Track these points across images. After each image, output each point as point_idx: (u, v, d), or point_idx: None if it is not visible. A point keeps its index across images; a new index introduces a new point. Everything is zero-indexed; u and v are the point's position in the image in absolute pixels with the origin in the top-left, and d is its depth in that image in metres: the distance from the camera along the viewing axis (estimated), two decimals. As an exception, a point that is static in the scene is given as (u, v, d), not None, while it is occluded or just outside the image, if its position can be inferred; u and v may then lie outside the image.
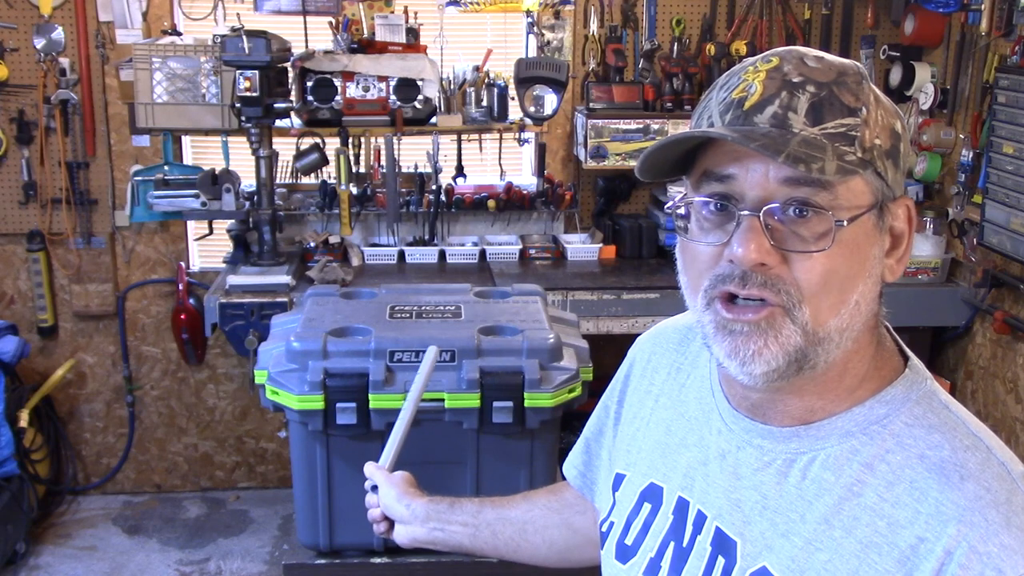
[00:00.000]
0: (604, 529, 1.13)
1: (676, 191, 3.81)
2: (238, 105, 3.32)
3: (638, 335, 1.25)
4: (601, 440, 1.25)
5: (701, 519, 1.00)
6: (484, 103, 3.83)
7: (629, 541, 1.07)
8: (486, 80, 3.83)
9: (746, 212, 0.88)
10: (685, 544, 1.01)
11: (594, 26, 3.86)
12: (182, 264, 3.95)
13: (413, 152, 3.88)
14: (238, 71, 3.26)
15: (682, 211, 0.94)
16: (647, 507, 1.07)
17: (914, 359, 1.00)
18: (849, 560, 0.88)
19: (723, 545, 0.97)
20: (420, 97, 3.70)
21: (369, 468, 1.43)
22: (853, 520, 0.89)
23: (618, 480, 1.14)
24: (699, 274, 0.92)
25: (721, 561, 0.96)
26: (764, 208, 0.87)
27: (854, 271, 0.89)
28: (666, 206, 1.00)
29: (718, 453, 1.01)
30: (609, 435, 1.23)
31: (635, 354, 1.22)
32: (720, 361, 0.93)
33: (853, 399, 0.95)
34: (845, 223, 0.87)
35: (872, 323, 0.96)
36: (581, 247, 3.84)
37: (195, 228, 3.99)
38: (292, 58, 3.61)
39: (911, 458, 0.90)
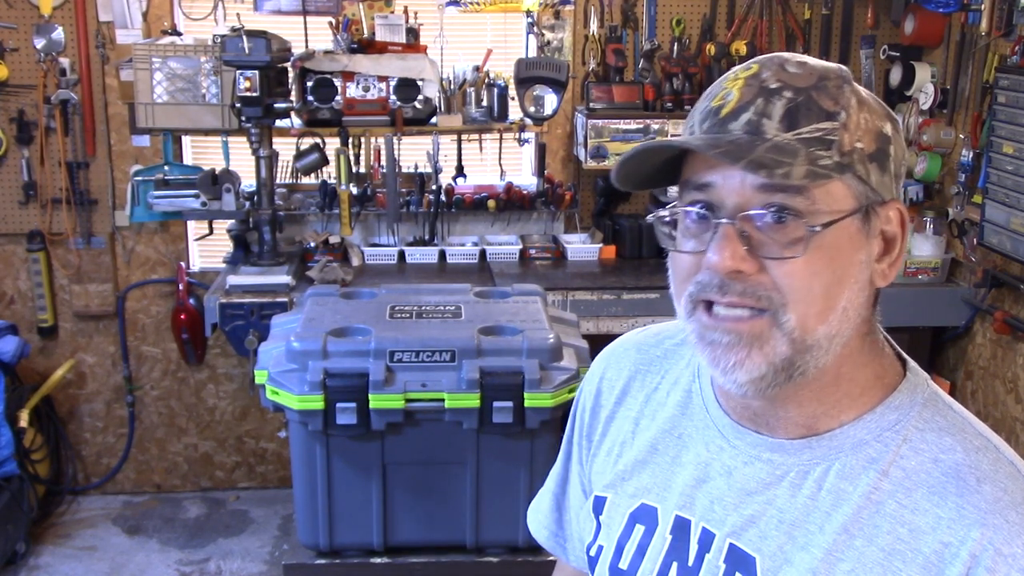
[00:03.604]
0: (592, 554, 1.10)
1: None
2: (238, 105, 3.32)
3: None
4: (567, 489, 1.22)
5: (708, 537, 0.98)
6: (484, 103, 3.83)
7: (624, 565, 1.05)
8: (486, 80, 3.83)
9: (723, 220, 0.88)
10: (691, 563, 0.99)
11: (594, 26, 3.86)
12: (182, 264, 3.94)
13: (413, 152, 3.88)
14: (238, 71, 3.26)
15: (667, 219, 0.94)
16: (640, 528, 1.04)
17: (911, 362, 0.99)
18: (872, 568, 0.88)
19: (740, 562, 0.95)
20: (420, 97, 3.70)
21: None
22: (874, 528, 0.89)
23: (599, 502, 1.10)
24: (682, 282, 0.93)
25: None
26: (740, 215, 0.87)
27: (838, 276, 0.89)
28: (647, 217, 1.00)
29: (722, 470, 0.99)
30: (576, 479, 1.20)
31: (598, 384, 1.16)
32: (706, 369, 0.94)
33: (860, 406, 0.94)
34: (819, 228, 0.86)
35: (864, 328, 0.95)
36: (581, 247, 3.84)
37: (195, 228, 3.99)
38: (292, 58, 3.60)
39: (925, 462, 0.90)
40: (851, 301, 0.90)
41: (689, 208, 0.91)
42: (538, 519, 1.26)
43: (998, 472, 0.89)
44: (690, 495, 1.01)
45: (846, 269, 0.89)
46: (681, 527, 1.01)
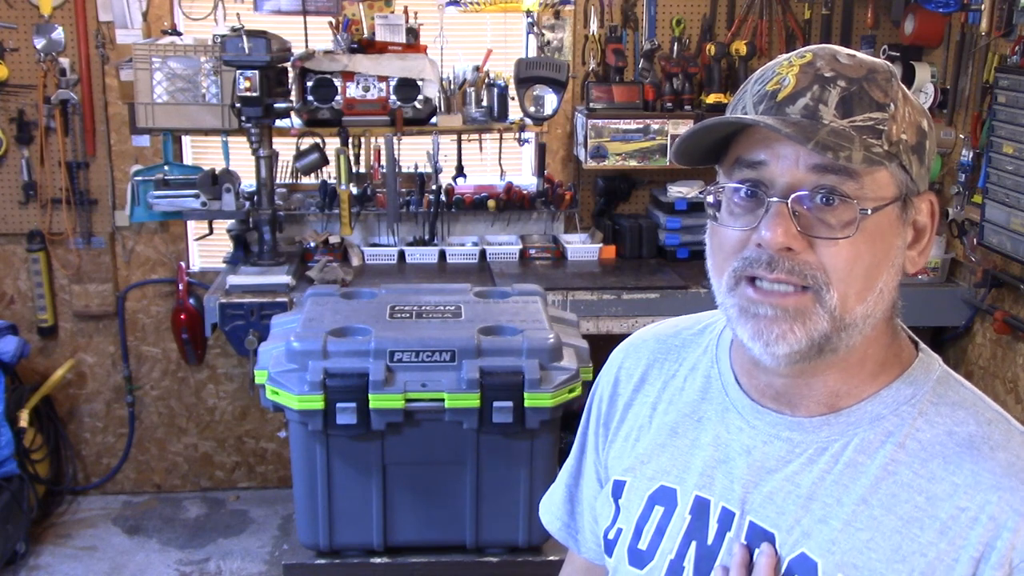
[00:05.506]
0: (611, 537, 1.12)
1: (676, 191, 3.81)
2: (238, 105, 3.32)
3: None
4: (580, 481, 1.24)
5: (728, 516, 1.00)
6: (484, 103, 3.83)
7: (643, 546, 1.06)
8: (486, 80, 3.83)
9: (775, 199, 0.91)
10: (711, 542, 1.01)
11: (594, 26, 3.86)
12: (182, 264, 3.94)
13: (413, 152, 3.88)
14: (238, 71, 3.26)
15: (711, 199, 0.97)
16: (659, 510, 1.06)
17: (922, 344, 1.03)
18: (891, 536, 0.91)
19: (760, 539, 0.97)
20: (420, 97, 3.70)
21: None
22: (891, 498, 0.92)
23: (618, 486, 1.12)
24: (726, 257, 0.95)
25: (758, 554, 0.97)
26: (792, 195, 0.90)
27: (878, 259, 0.93)
28: (700, 191, 1.03)
29: (742, 450, 1.01)
30: (591, 471, 1.22)
31: (616, 373, 1.19)
32: (744, 343, 0.95)
33: (878, 383, 0.98)
34: (870, 212, 0.90)
35: (890, 312, 0.99)
36: (581, 247, 3.84)
37: (195, 228, 3.99)
38: (292, 58, 3.60)
39: (940, 434, 0.94)
40: (887, 284, 0.94)
41: (739, 185, 0.94)
42: (551, 510, 1.29)
43: (1011, 441, 0.93)
44: (709, 475, 1.03)
45: (886, 253, 0.93)
46: (701, 507, 1.03)
